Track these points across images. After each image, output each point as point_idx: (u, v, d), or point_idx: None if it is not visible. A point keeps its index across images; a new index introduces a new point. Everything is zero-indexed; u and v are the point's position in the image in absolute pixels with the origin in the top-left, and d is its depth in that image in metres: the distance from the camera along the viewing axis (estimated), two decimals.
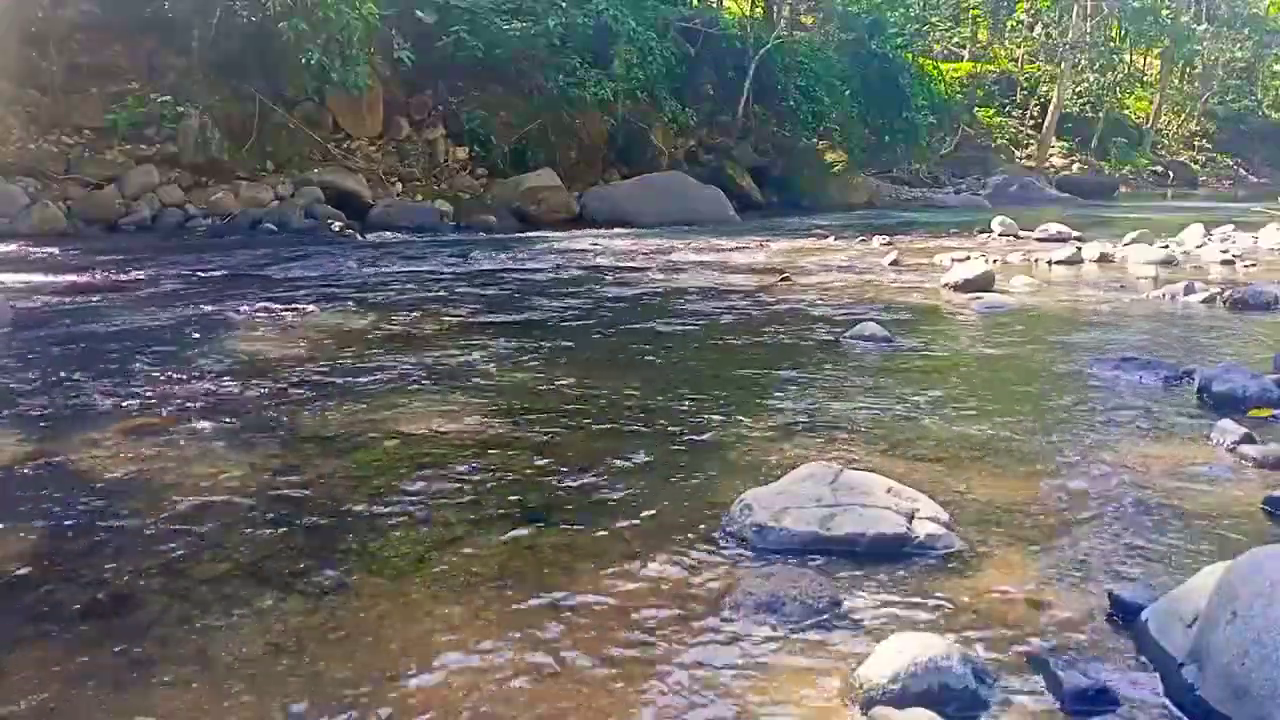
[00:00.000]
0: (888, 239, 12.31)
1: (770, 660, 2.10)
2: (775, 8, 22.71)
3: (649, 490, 3.13)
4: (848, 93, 21.27)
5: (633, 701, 1.96)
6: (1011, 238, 12.76)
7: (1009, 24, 36.74)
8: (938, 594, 2.41)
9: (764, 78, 19.76)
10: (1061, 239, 11.92)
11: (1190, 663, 1.97)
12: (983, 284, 7.69)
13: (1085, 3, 31.01)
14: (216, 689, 1.98)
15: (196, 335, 5.60)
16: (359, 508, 2.96)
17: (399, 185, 14.64)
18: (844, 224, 15.23)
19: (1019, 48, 35.98)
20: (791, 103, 20.07)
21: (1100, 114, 33.73)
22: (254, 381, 4.50)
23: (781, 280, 8.40)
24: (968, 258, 9.49)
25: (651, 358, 5.35)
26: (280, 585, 2.44)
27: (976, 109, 32.62)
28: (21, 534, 2.73)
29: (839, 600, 2.35)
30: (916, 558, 2.60)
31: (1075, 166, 32.06)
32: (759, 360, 5.21)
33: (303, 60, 12.83)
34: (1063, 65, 31.31)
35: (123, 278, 7.90)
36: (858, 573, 2.52)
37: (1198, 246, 11.28)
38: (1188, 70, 38.30)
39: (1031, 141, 32.78)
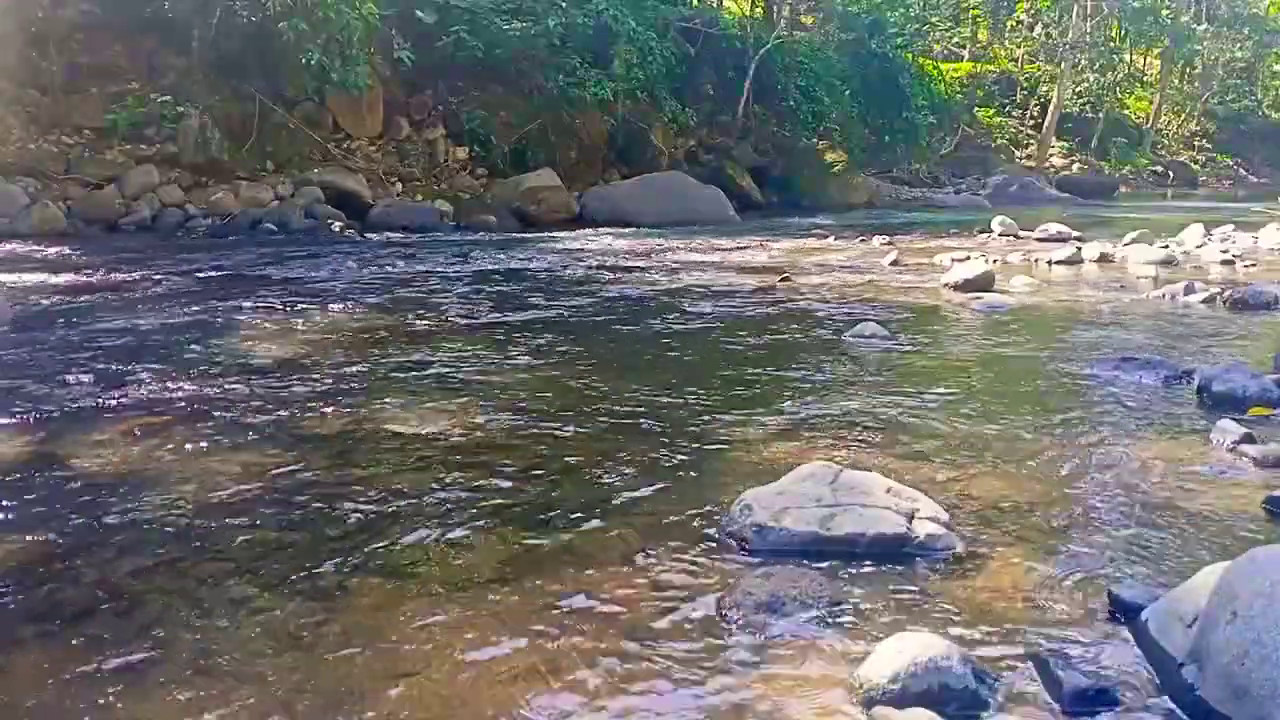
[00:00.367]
0: (888, 239, 12.31)
1: (770, 660, 2.10)
2: (775, 8, 22.71)
3: (649, 490, 3.13)
4: (848, 93, 21.26)
5: (633, 701, 1.96)
6: (1011, 238, 12.76)
7: (1009, 24, 36.74)
8: (938, 594, 2.41)
9: (764, 78, 19.75)
10: (1061, 239, 11.92)
11: (1190, 663, 1.97)
12: (983, 284, 7.69)
13: (1085, 3, 31.01)
14: (217, 689, 1.98)
15: (196, 335, 5.60)
16: (359, 508, 2.96)
17: (399, 185, 14.63)
18: (844, 224, 15.23)
19: (1019, 48, 35.98)
20: (791, 103, 20.06)
21: (1100, 114, 33.72)
22: (254, 381, 4.49)
23: (782, 280, 8.40)
24: (968, 258, 9.49)
25: (651, 358, 5.35)
26: (280, 585, 2.44)
27: (976, 109, 32.62)
28: (21, 534, 2.73)
29: (839, 600, 2.35)
30: (916, 558, 2.60)
31: (1075, 166, 32.05)
32: (759, 360, 5.21)
33: (303, 60, 12.82)
34: (1063, 65, 31.30)
35: (123, 278, 7.90)
36: (857, 573, 2.52)
37: (1198, 246, 11.28)
38: (1188, 70, 38.29)
39: (1031, 141, 32.78)
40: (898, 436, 3.74)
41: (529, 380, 4.65)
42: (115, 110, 12.44)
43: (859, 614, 2.30)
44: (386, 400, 4.21)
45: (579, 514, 2.93)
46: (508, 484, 3.18)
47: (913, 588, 2.44)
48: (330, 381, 4.54)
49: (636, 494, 3.10)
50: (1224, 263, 10.10)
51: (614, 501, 3.04)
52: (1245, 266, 9.88)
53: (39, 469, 3.27)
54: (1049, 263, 9.93)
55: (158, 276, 7.99)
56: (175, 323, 5.99)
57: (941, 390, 4.48)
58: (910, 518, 2.72)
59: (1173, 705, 1.94)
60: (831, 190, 20.41)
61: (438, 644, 2.17)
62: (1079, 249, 10.46)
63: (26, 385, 4.36)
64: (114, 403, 4.08)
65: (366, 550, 2.67)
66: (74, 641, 2.17)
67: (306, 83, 13.60)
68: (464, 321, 6.32)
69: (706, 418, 3.99)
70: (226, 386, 4.40)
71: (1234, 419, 3.77)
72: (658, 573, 2.52)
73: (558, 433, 3.78)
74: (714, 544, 2.70)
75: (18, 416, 3.88)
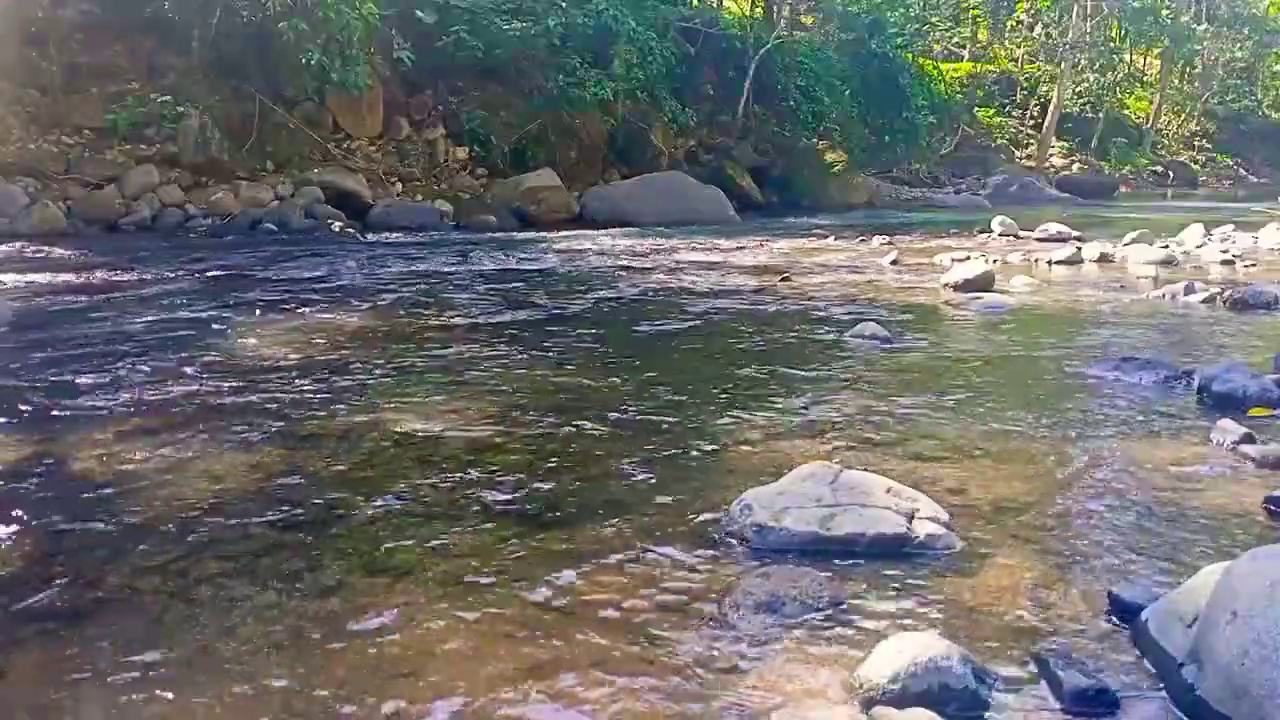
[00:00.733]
0: (888, 239, 12.31)
1: (770, 660, 2.10)
2: (775, 8, 22.71)
3: (649, 490, 3.13)
4: (848, 93, 21.26)
5: (633, 701, 1.96)
6: (1011, 238, 12.76)
7: (1009, 24, 36.74)
8: (938, 594, 2.41)
9: (764, 78, 19.75)
10: (1061, 239, 11.93)
11: (1190, 663, 1.97)
12: (983, 284, 7.69)
13: (1085, 3, 31.01)
14: (217, 689, 1.98)
15: (196, 335, 5.60)
16: (359, 507, 2.97)
17: (399, 185, 14.64)
18: (844, 224, 15.23)
19: (1019, 48, 35.98)
20: (791, 103, 20.06)
21: (1100, 114, 33.73)
22: (254, 381, 4.49)
23: (782, 280, 8.40)
24: (968, 258, 9.49)
25: (652, 358, 5.35)
26: (280, 585, 2.44)
27: (976, 109, 32.62)
28: (21, 534, 2.73)
29: (839, 600, 2.35)
30: (916, 558, 2.60)
31: (1075, 166, 32.06)
32: (759, 360, 5.21)
33: (303, 60, 12.83)
34: (1063, 65, 31.31)
35: (123, 278, 7.90)
36: (858, 573, 2.52)
37: (1198, 246, 11.28)
38: (1188, 70, 38.30)
39: (1031, 141, 32.78)
40: (898, 436, 3.74)
41: (529, 380, 4.65)
42: (115, 110, 12.44)
43: (859, 614, 2.30)
44: (386, 400, 4.21)
45: (579, 514, 2.93)
46: (508, 483, 3.18)
47: (913, 588, 2.44)
48: (330, 381, 4.53)
49: (636, 494, 3.10)
50: (1224, 263, 10.10)
51: (614, 501, 3.03)
52: (1245, 266, 9.88)
53: (39, 469, 3.27)
54: (1049, 263, 9.93)
55: (158, 276, 7.99)
56: (175, 323, 5.99)
57: (941, 390, 4.48)
58: (910, 518, 2.72)
59: (1173, 705, 1.94)
60: (831, 190, 20.41)
61: (438, 644, 2.17)
62: (1079, 249, 10.47)
63: (26, 385, 4.36)
64: (114, 403, 4.08)
65: (366, 550, 2.67)
66: (74, 641, 2.17)
67: (306, 83, 13.60)
68: (464, 321, 6.32)
69: (707, 417, 3.99)
70: (226, 386, 4.40)
71: (1234, 419, 3.77)
72: (658, 572, 2.52)
73: (558, 432, 3.78)
74: (714, 544, 2.70)
75: (18, 416, 3.88)
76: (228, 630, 2.22)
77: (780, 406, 4.20)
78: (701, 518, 2.88)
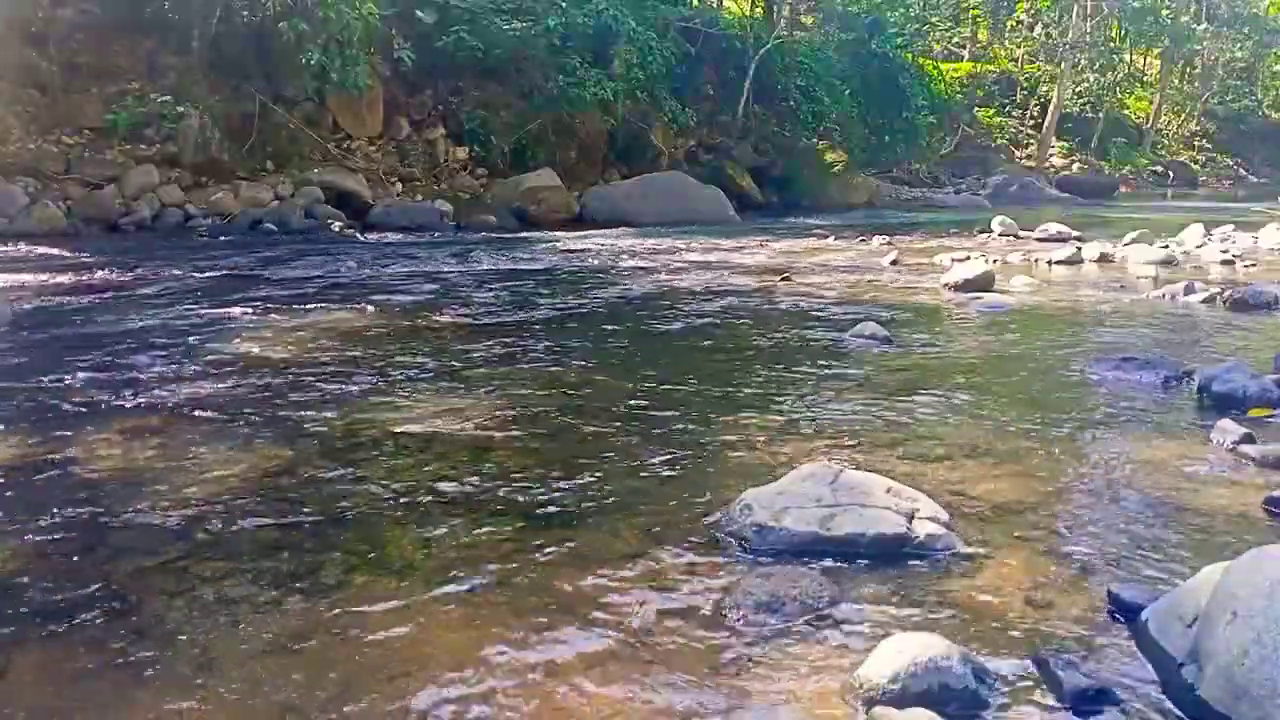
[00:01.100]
0: (888, 239, 12.31)
1: (770, 660, 2.10)
2: (775, 8, 22.69)
3: (649, 490, 3.13)
4: (848, 93, 21.26)
5: (633, 701, 1.96)
6: (1011, 238, 12.76)
7: (1009, 24, 36.74)
8: (938, 594, 2.41)
9: (764, 78, 19.75)
10: (1061, 239, 11.93)
11: (1190, 663, 1.97)
12: (983, 284, 7.69)
13: (1085, 3, 31.00)
14: (217, 689, 1.98)
15: (196, 335, 5.60)
16: (359, 507, 2.97)
17: (399, 185, 14.63)
18: (844, 224, 15.23)
19: (1019, 48, 35.98)
20: (791, 103, 20.07)
21: (1100, 114, 33.72)
22: (254, 381, 4.50)
23: (782, 280, 8.40)
24: (968, 258, 9.50)
25: (652, 358, 5.35)
26: (280, 585, 2.44)
27: (976, 109, 32.62)
28: (22, 534, 2.73)
29: (839, 600, 2.35)
30: (916, 558, 2.60)
31: (1075, 166, 32.06)
32: (759, 360, 5.21)
33: (303, 60, 12.82)
34: (1063, 65, 31.30)
35: (123, 278, 7.90)
36: (858, 573, 2.52)
37: (1198, 246, 11.28)
38: (1188, 70, 38.30)
39: (1031, 141, 32.78)
40: (897, 436, 3.74)
41: (529, 380, 4.65)
42: (115, 110, 12.43)
43: (859, 614, 2.30)
44: (386, 400, 4.21)
45: (579, 514, 2.93)
46: (508, 483, 3.18)
47: (913, 588, 2.44)
48: (330, 381, 4.53)
49: (637, 494, 3.10)
50: (1224, 263, 10.10)
51: (614, 501, 3.04)
52: (1245, 266, 9.88)
53: (39, 469, 3.27)
54: (1049, 263, 9.93)
55: (158, 276, 7.99)
56: (175, 323, 5.99)
57: (941, 390, 4.48)
58: (910, 518, 2.72)
59: (1173, 705, 1.94)
60: (831, 190, 20.40)
61: (437, 643, 2.17)
62: (1079, 249, 10.47)
63: (26, 385, 4.36)
64: (114, 403, 4.08)
65: (366, 550, 2.67)
66: (74, 641, 2.17)
67: (306, 83, 13.59)
68: (464, 321, 6.32)
69: (707, 417, 3.99)
70: (226, 386, 4.40)
71: (1234, 419, 3.77)
72: (657, 572, 2.52)
73: (558, 432, 3.78)
74: (714, 544, 2.70)
75: (18, 416, 3.88)
76: (228, 630, 2.22)
77: (780, 406, 4.20)
78: (701, 518, 2.88)
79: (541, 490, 3.13)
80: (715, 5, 23.13)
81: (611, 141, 17.23)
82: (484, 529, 2.81)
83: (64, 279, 7.67)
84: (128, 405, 4.06)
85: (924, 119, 23.60)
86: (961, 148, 28.91)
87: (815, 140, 21.78)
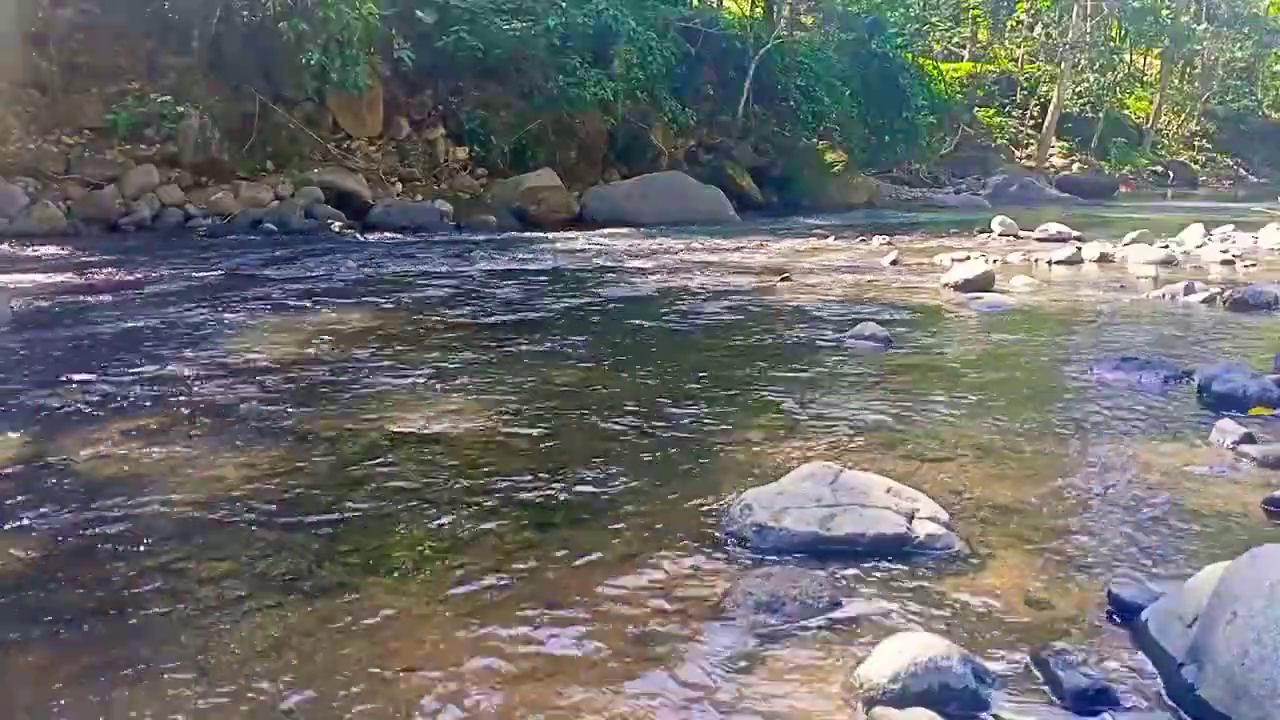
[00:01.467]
0: (888, 239, 12.31)
1: (770, 660, 2.10)
2: (775, 8, 22.68)
3: (649, 490, 3.13)
4: (848, 93, 21.25)
5: (632, 702, 1.96)
6: (1011, 238, 12.76)
7: (1009, 24, 36.73)
8: (937, 594, 2.41)
9: (764, 78, 19.74)
10: (1061, 239, 11.92)
11: (1190, 663, 1.97)
12: (983, 284, 7.69)
13: (1085, 3, 31.00)
14: (217, 689, 1.98)
15: (196, 335, 5.60)
16: (359, 507, 2.97)
17: (399, 185, 14.63)
18: (844, 224, 15.23)
19: (1019, 48, 35.97)
20: (791, 103, 20.06)
21: (1100, 114, 33.71)
22: (254, 381, 4.50)
23: (782, 280, 8.40)
24: (968, 258, 9.49)
25: (651, 358, 5.35)
26: (280, 585, 2.44)
27: (976, 109, 32.61)
28: (22, 534, 2.73)
29: (839, 600, 2.35)
30: (916, 558, 2.60)
31: (1075, 166, 32.05)
32: (759, 360, 5.21)
33: (303, 60, 12.82)
34: (1063, 65, 31.30)
35: (123, 278, 7.90)
36: (858, 573, 2.52)
37: (1198, 246, 11.28)
38: (1188, 70, 38.29)
39: (1031, 141, 32.77)
40: (898, 436, 3.74)
41: (529, 380, 4.65)
42: (115, 110, 12.43)
43: (859, 614, 2.30)
44: (386, 400, 4.21)
45: (579, 514, 2.93)
46: (508, 483, 3.18)
47: (913, 588, 2.44)
48: (330, 381, 4.54)
49: (637, 494, 3.10)
50: (1224, 263, 10.10)
51: (614, 501, 3.04)
52: (1245, 266, 9.88)
53: (39, 469, 3.27)
54: (1049, 263, 9.93)
55: (158, 276, 7.99)
56: (175, 323, 5.99)
57: (941, 390, 4.48)
58: (910, 518, 2.72)
59: (1173, 705, 1.94)
60: (831, 190, 20.39)
61: (438, 643, 2.17)
62: (1079, 249, 10.47)
63: (26, 385, 4.36)
64: (114, 403, 4.08)
65: (366, 550, 2.67)
66: (74, 641, 2.17)
67: (306, 83, 13.59)
68: (463, 321, 6.32)
69: (707, 417, 3.99)
70: (226, 386, 4.40)
71: (1234, 419, 3.77)
72: (658, 572, 2.52)
73: (558, 433, 3.78)
74: (714, 544, 2.70)
75: (18, 416, 3.88)
76: (228, 630, 2.22)
77: (780, 406, 4.20)
78: (701, 518, 2.88)
79: (541, 490, 3.13)
80: (715, 5, 23.12)
81: (611, 141, 17.23)
82: (483, 529, 2.81)
83: (64, 279, 7.67)
84: (128, 405, 4.06)
85: (924, 119, 23.60)
86: (961, 148, 28.90)
87: (815, 140, 21.77)
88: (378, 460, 3.43)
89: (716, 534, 2.76)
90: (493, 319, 6.45)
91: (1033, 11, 34.42)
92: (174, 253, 9.75)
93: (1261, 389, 4.20)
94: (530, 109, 15.98)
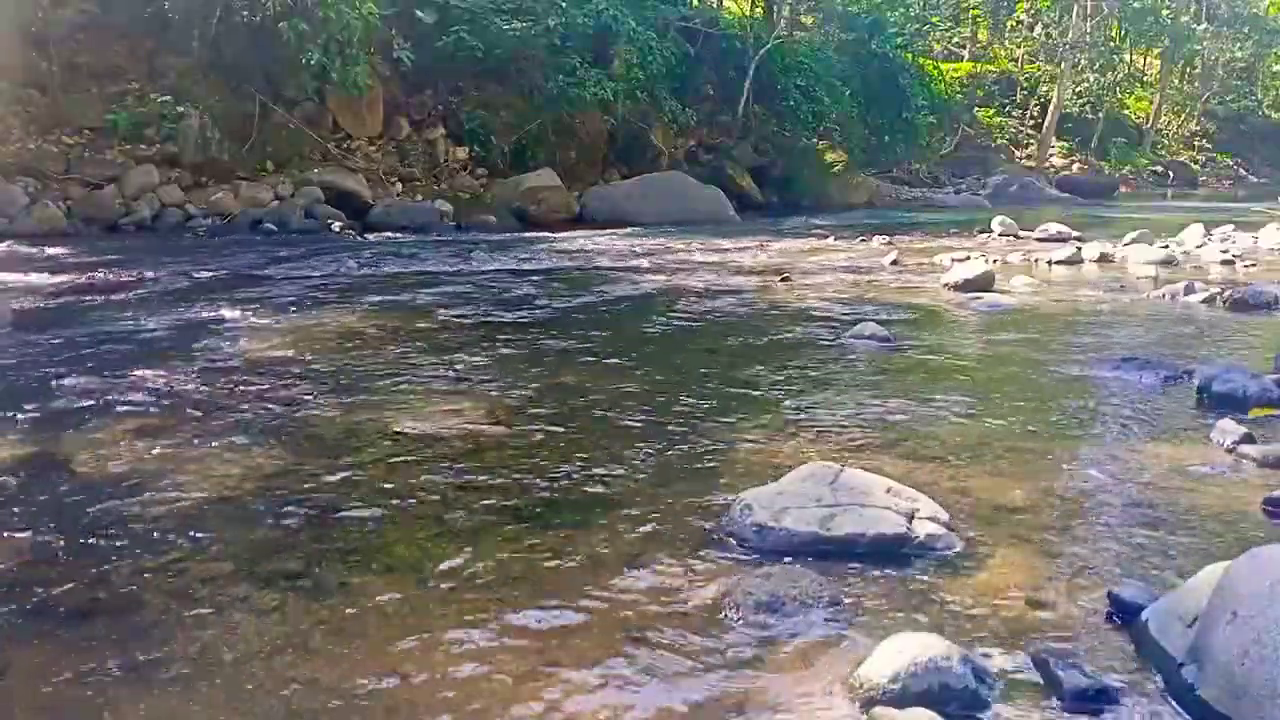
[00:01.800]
0: (888, 239, 12.31)
1: (770, 660, 2.11)
2: (775, 8, 22.66)
3: (649, 490, 3.13)
4: (848, 93, 21.23)
5: (632, 702, 1.96)
6: (1011, 238, 12.75)
7: (1009, 24, 36.71)
8: (938, 594, 2.41)
9: (764, 78, 19.73)
10: (1061, 239, 11.92)
11: (1190, 662, 1.97)
12: (983, 284, 7.69)
13: (1085, 3, 30.98)
14: (216, 689, 1.98)
15: (196, 335, 5.60)
16: (359, 508, 2.97)
17: (399, 185, 14.62)
18: (844, 224, 15.22)
19: (1019, 48, 35.95)
20: (791, 103, 20.03)
21: (1100, 114, 33.68)
22: (254, 381, 4.49)
23: (782, 280, 8.40)
24: (968, 258, 9.49)
25: (651, 358, 5.35)
26: (280, 585, 2.44)
27: (976, 109, 32.58)
28: (22, 534, 2.73)
29: (839, 600, 2.35)
30: (916, 558, 2.61)
31: (1075, 166, 32.03)
32: (759, 360, 5.20)
33: (303, 60, 12.82)
34: (1063, 65, 31.28)
35: (123, 278, 7.90)
36: (858, 573, 2.52)
37: (1198, 246, 11.28)
38: (1188, 70, 38.27)
39: (1031, 141, 32.76)
40: (897, 436, 3.74)
41: (529, 380, 4.65)
42: (115, 110, 12.42)
43: (859, 614, 2.30)
44: (386, 400, 4.21)
45: (579, 514, 2.93)
46: (508, 484, 3.18)
47: (913, 588, 2.44)
48: (330, 381, 4.54)
49: (637, 494, 3.10)
50: (1224, 263, 10.10)
51: (614, 501, 3.04)
52: (1245, 266, 9.88)
53: (39, 469, 3.27)
54: (1049, 263, 9.93)
55: (158, 276, 7.99)
56: (175, 323, 5.99)
57: (941, 390, 4.48)
58: (910, 518, 2.72)
59: (1173, 705, 1.94)
60: (831, 190, 20.39)
61: (438, 643, 2.17)
62: (1079, 249, 10.46)
63: (27, 385, 4.36)
64: (114, 403, 4.08)
65: (366, 550, 2.67)
66: (74, 641, 2.17)
67: (306, 83, 13.58)
68: (463, 321, 6.32)
69: (707, 417, 3.99)
70: (226, 386, 4.40)
71: (1234, 419, 3.77)
72: (658, 572, 2.52)
73: (558, 432, 3.78)
74: (714, 544, 2.70)
75: (18, 416, 3.88)
76: (228, 630, 2.22)
77: (780, 406, 4.21)
78: (701, 518, 2.88)
79: (541, 490, 3.13)
80: (715, 5, 23.10)
81: (611, 141, 17.22)
82: (484, 529, 2.81)
83: (64, 279, 7.66)
84: (128, 405, 4.05)
85: (924, 119, 23.58)
86: (961, 148, 28.88)
87: (815, 140, 21.75)
88: (378, 460, 3.43)
89: (716, 534, 2.76)
90: (493, 319, 6.45)
91: (1033, 11, 34.40)
92: (174, 253, 9.74)
93: (1261, 389, 4.20)
94: (530, 109, 15.97)
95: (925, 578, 2.50)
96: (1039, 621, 2.27)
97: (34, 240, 10.05)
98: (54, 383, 4.39)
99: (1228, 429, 3.63)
